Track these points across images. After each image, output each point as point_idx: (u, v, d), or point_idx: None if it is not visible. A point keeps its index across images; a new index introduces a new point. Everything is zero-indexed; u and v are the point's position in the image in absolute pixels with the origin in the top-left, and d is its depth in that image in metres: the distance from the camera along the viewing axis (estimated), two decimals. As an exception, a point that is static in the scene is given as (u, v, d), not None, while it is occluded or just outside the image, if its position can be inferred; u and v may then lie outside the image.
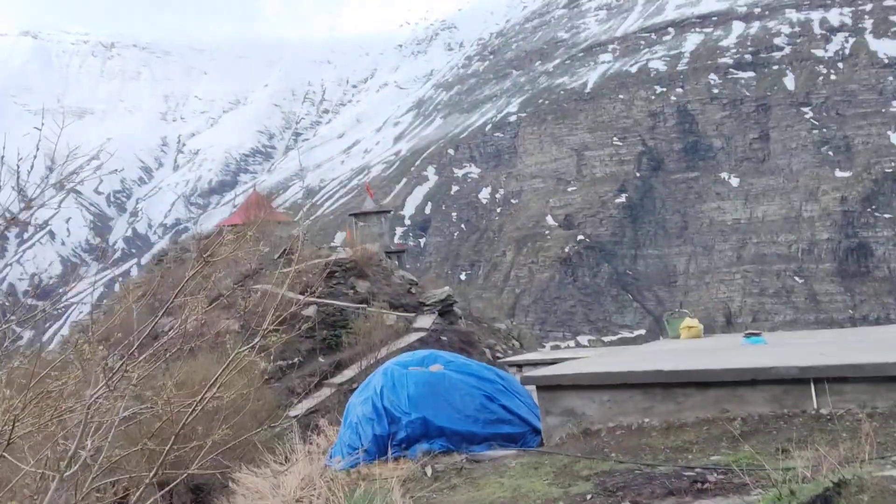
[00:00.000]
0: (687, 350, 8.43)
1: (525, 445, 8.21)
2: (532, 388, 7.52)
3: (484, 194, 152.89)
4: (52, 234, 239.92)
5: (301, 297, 21.87)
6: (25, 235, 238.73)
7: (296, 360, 24.59)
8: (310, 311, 25.81)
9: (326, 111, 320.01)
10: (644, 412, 6.22)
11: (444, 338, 25.63)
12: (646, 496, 4.80)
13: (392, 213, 61.43)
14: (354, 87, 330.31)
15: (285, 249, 29.36)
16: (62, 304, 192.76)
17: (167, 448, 4.59)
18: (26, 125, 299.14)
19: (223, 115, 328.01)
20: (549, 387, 6.69)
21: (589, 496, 4.94)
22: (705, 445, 5.62)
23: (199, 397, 4.44)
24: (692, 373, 6.21)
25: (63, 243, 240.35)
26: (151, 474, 4.49)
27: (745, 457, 5.20)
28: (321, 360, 24.75)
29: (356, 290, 27.21)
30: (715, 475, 4.98)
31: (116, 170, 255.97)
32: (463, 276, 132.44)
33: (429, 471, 6.15)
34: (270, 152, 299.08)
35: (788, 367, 5.92)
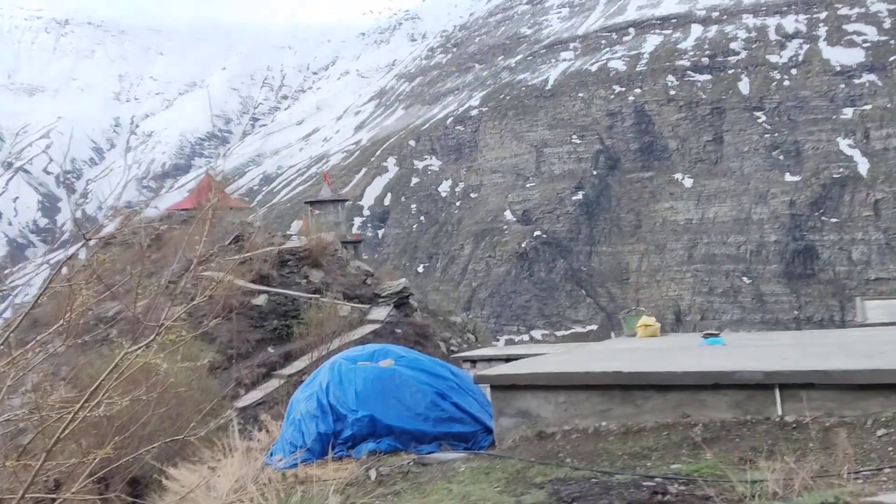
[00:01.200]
0: (645, 350, 8.17)
1: (476, 445, 7.88)
2: (485, 387, 7.18)
3: (444, 187, 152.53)
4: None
5: (252, 285, 21.23)
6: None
7: (244, 349, 23.94)
8: (260, 299, 25.20)
9: (286, 97, 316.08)
10: (601, 415, 5.92)
11: (398, 330, 25.22)
12: (603, 508, 4.50)
13: (349, 202, 60.65)
14: (315, 73, 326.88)
15: (237, 236, 28.65)
16: (6, 286, 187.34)
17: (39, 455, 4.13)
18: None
19: (179, 97, 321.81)
20: (504, 386, 6.35)
21: (542, 506, 4.62)
22: (665, 452, 5.34)
23: (82, 403, 3.94)
24: (652, 375, 5.93)
25: (10, 223, 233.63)
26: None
27: (707, 466, 4.93)
28: (271, 350, 24.18)
29: (309, 280, 26.64)
30: (676, 486, 4.69)
31: (63, 158, 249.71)
32: (421, 269, 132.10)
33: (373, 474, 5.77)
34: (227, 137, 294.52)
35: (753, 372, 5.68)
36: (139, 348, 3.66)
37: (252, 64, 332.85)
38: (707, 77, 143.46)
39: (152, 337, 3.69)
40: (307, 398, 8.18)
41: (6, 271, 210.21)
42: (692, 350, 7.97)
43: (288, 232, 48.27)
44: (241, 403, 22.84)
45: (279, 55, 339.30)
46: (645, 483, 4.78)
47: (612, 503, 4.53)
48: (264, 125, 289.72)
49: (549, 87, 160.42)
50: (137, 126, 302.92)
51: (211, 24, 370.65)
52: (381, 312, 25.67)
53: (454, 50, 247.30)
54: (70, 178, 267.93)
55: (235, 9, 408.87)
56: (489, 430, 7.90)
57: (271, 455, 8.35)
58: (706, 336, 8.90)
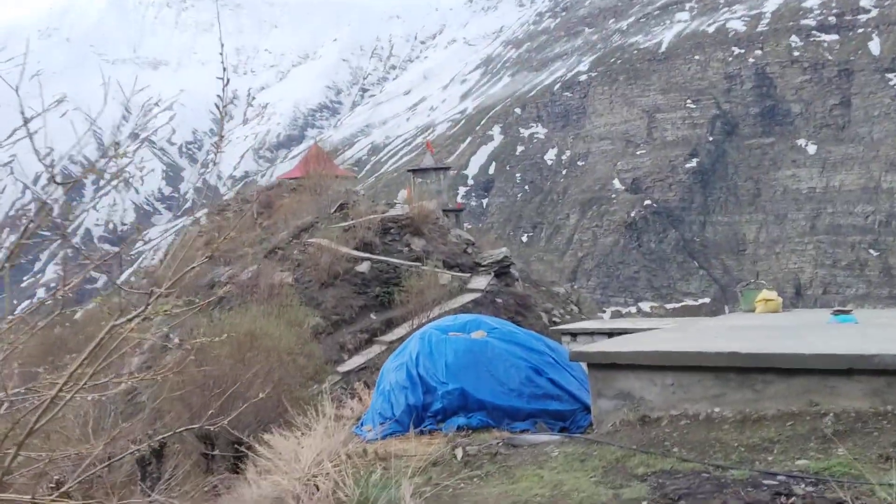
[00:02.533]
0: (765, 327, 7.37)
1: (575, 424, 7.38)
2: (582, 365, 6.63)
3: (550, 155, 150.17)
4: (126, 183, 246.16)
5: (355, 252, 21.27)
6: (101, 183, 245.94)
7: (347, 315, 24.13)
8: (363, 266, 25.28)
9: (394, 67, 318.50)
10: (714, 400, 5.27)
11: (499, 300, 24.79)
12: (715, 509, 3.91)
13: (451, 170, 60.18)
14: (423, 43, 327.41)
15: (341, 204, 28.85)
16: (134, 251, 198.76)
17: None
18: (103, 75, 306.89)
19: (292, 69, 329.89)
20: (603, 365, 5.77)
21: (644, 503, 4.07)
22: (789, 445, 4.66)
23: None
24: (775, 357, 5.21)
25: (137, 192, 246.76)
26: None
27: (839, 464, 4.23)
28: (373, 316, 24.25)
29: (411, 248, 26.53)
30: (803, 486, 4.04)
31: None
32: (525, 239, 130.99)
33: (459, 454, 5.36)
34: (337, 108, 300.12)
35: (895, 356, 4.89)
36: (127, 320, 3.30)
37: (362, 35, 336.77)
38: (834, 37, 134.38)
39: (143, 308, 3.32)
40: (397, 368, 7.88)
41: (133, 237, 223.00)
42: (819, 329, 7.12)
43: (394, 201, 48.26)
44: (343, 368, 23.07)
45: (388, 25, 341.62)
46: (765, 481, 4.15)
47: (726, 503, 3.94)
48: (373, 95, 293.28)
49: (662, 49, 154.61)
50: (254, 98, 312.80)
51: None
52: (481, 281, 25.29)
53: (563, 14, 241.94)
54: (192, 149, 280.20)
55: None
56: (589, 409, 7.38)
57: (361, 425, 8.12)
58: (836, 313, 7.98)
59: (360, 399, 9.41)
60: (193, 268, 3.64)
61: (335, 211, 28.37)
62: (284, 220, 31.04)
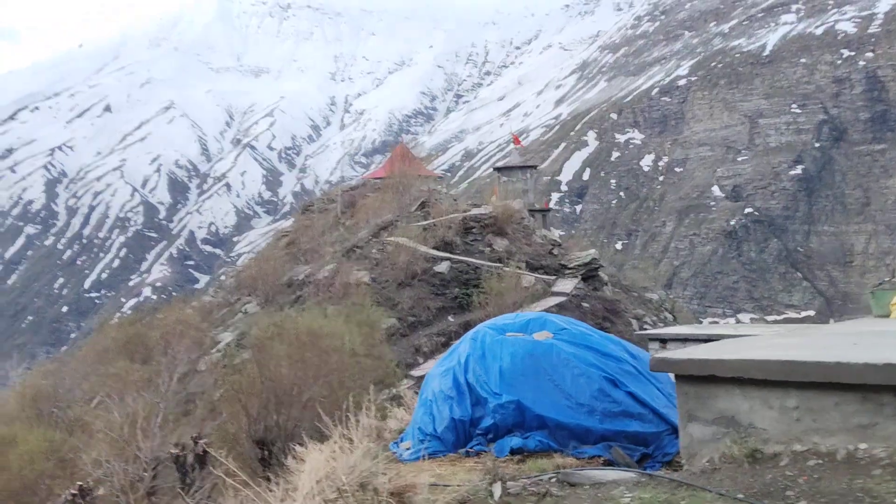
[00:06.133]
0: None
1: (660, 450, 5.87)
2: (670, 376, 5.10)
3: (646, 161, 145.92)
4: (228, 187, 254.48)
5: (435, 251, 19.99)
6: (205, 186, 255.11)
7: (424, 317, 22.98)
8: (442, 266, 24.10)
9: (488, 73, 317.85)
10: (860, 432, 3.71)
11: (585, 304, 23.13)
12: None
13: (539, 168, 58.34)
14: (518, 48, 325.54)
15: (423, 202, 27.80)
16: (234, 252, 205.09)
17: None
18: (209, 83, 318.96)
19: (388, 75, 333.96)
20: (697, 377, 4.25)
21: None
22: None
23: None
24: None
25: (238, 195, 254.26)
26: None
27: None
28: (451, 318, 23.03)
29: (493, 248, 25.19)
30: None
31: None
32: (619, 246, 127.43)
33: (497, 491, 3.97)
34: (432, 114, 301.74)
35: None
36: None
37: (457, 41, 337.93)
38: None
39: None
40: (442, 374, 6.53)
41: (234, 239, 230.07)
42: None
43: (484, 205, 47.02)
44: (418, 372, 21.93)
45: (483, 31, 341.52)
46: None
47: None
48: (467, 101, 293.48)
49: (766, 53, 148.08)
50: (351, 104, 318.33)
51: (419, 3, 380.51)
52: (567, 284, 23.67)
53: (662, 17, 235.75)
54: (290, 154, 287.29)
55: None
56: (678, 433, 5.86)
57: (401, 440, 6.84)
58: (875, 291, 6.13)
59: (408, 408, 8.14)
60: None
61: (416, 209, 27.34)
62: (366, 219, 30.27)
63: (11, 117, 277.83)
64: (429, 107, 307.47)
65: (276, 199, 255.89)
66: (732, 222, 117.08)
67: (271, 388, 14.33)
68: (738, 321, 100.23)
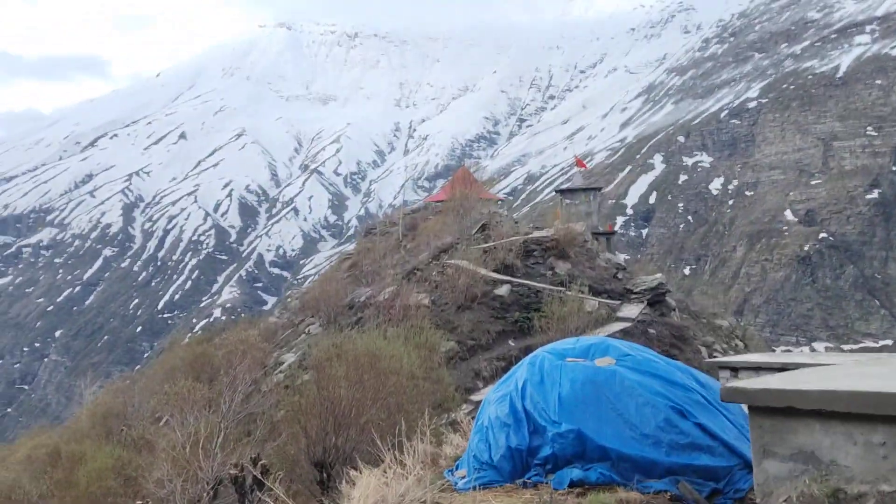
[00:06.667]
0: None
1: (731, 486, 5.51)
2: (743, 406, 4.75)
3: (715, 185, 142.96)
4: (296, 211, 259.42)
5: (495, 274, 19.75)
6: (273, 211, 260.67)
7: (484, 340, 22.69)
8: (503, 290, 23.81)
9: (552, 97, 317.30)
10: (960, 476, 3.33)
11: (651, 330, 22.48)
12: None
13: (602, 190, 57.51)
14: (582, 72, 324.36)
15: (483, 224, 27.62)
16: (301, 275, 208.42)
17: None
18: (279, 110, 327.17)
19: (452, 101, 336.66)
20: (774, 409, 3.92)
21: None
22: None
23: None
24: None
25: (305, 219, 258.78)
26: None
27: None
28: (511, 343, 22.66)
29: (555, 272, 24.76)
30: None
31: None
32: (687, 271, 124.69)
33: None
34: (494, 138, 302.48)
35: None
36: None
37: (521, 65, 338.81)
38: None
39: None
40: (499, 400, 6.29)
41: (300, 262, 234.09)
42: None
43: (546, 228, 46.60)
44: (477, 397, 21.62)
45: (547, 55, 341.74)
46: None
47: None
48: (530, 125, 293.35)
49: (840, 74, 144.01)
50: (415, 130, 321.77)
51: (483, 29, 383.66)
52: (632, 310, 23.07)
53: (731, 39, 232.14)
54: (356, 179, 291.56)
55: (506, 11, 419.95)
56: (752, 466, 5.49)
57: (456, 468, 6.61)
58: None
59: (465, 434, 7.90)
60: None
61: (476, 232, 27.16)
62: (427, 242, 30.25)
63: (92, 144, 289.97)
64: (491, 131, 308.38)
65: (341, 223, 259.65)
66: (806, 247, 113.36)
67: (330, 410, 14.26)
68: (812, 350, 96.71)
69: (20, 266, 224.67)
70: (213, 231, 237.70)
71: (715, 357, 22.09)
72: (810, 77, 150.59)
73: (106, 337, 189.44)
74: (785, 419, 3.89)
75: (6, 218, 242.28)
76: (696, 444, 5.61)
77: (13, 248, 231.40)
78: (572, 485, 5.46)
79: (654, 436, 5.59)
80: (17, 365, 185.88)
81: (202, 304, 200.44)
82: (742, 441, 5.69)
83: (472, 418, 18.09)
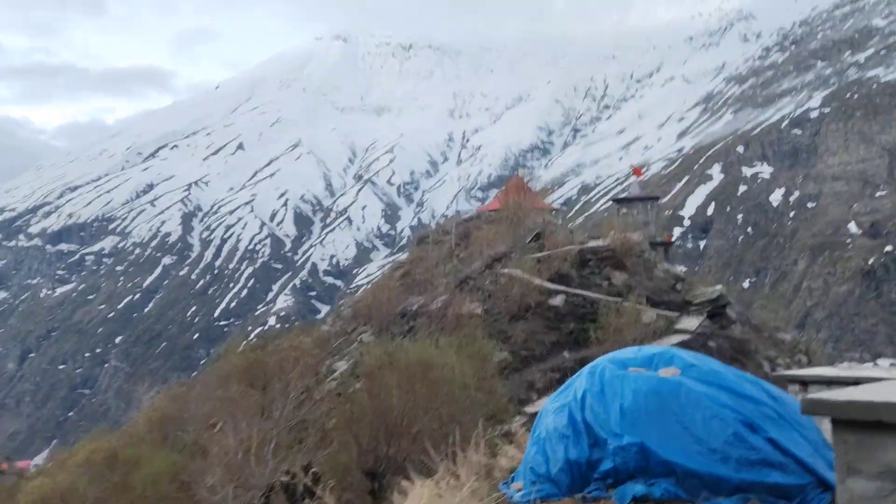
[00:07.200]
0: None
1: (806, 507, 5.19)
2: (822, 419, 4.43)
3: (776, 196, 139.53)
4: (349, 220, 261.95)
5: (549, 284, 19.47)
6: (327, 220, 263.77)
7: (538, 351, 22.36)
8: (557, 300, 23.45)
9: (607, 107, 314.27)
10: None
11: (711, 343, 21.85)
12: None
13: (660, 200, 56.43)
14: (638, 81, 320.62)
15: (537, 234, 27.31)
16: (354, 284, 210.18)
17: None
18: (334, 121, 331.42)
19: (505, 111, 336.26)
20: (860, 423, 3.62)
21: None
22: None
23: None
24: None
25: (358, 229, 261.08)
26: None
27: None
28: (566, 354, 22.28)
29: (611, 282, 24.31)
30: None
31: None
32: (746, 284, 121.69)
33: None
34: (548, 148, 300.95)
35: None
36: None
37: (575, 75, 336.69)
38: None
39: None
40: (557, 411, 6.05)
41: (354, 271, 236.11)
42: None
43: (602, 237, 46.00)
44: (531, 409, 21.29)
45: (602, 65, 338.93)
46: None
47: None
48: (585, 136, 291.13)
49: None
50: (468, 140, 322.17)
51: (537, 39, 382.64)
52: (691, 322, 22.46)
53: (792, 48, 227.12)
54: (409, 189, 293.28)
55: (561, 21, 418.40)
56: (826, 485, 5.18)
57: (512, 480, 6.39)
58: None
59: (520, 446, 7.66)
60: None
61: (530, 241, 26.86)
62: (479, 251, 30.05)
63: (153, 154, 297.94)
64: (545, 141, 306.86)
65: (394, 233, 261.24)
66: (871, 261, 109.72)
67: (382, 419, 14.15)
68: (876, 366, 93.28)
69: (83, 273, 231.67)
70: (268, 240, 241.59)
71: (777, 371, 21.35)
72: (875, 86, 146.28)
73: (164, 343, 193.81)
74: (873, 434, 3.58)
75: (70, 226, 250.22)
76: (767, 461, 5.30)
77: (77, 256, 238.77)
78: (635, 500, 5.20)
79: (723, 451, 5.30)
80: (79, 370, 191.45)
81: (257, 313, 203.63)
82: (816, 458, 5.36)
83: (527, 430, 17.79)
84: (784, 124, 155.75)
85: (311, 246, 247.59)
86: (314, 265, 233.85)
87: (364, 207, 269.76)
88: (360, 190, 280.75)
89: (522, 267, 24.38)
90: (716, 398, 5.51)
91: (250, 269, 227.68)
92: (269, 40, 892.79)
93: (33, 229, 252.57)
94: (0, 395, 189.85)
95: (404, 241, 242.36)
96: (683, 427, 5.40)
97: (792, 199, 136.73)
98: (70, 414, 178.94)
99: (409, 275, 35.41)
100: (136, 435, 25.12)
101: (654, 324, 21.74)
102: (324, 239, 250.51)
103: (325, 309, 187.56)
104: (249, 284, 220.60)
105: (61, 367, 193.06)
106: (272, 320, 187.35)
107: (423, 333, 23.34)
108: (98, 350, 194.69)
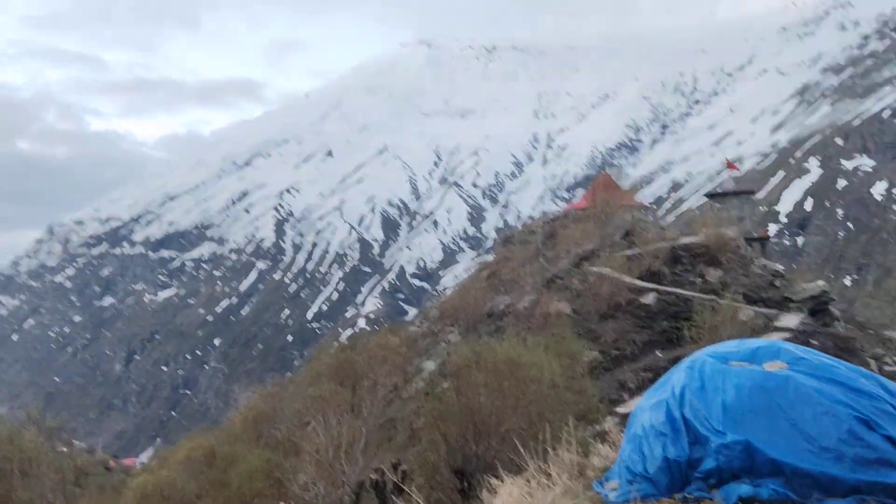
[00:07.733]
0: None
1: (932, 512, 4.78)
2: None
3: (878, 189, 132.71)
4: (435, 223, 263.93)
5: (640, 282, 19.02)
6: (414, 224, 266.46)
7: (629, 350, 21.82)
8: (649, 298, 22.84)
9: (697, 102, 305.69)
10: None
11: (814, 341, 20.80)
12: None
13: (755, 194, 54.25)
14: (729, 75, 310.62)
15: (627, 231, 26.70)
16: (441, 286, 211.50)
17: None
18: (419, 125, 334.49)
19: (591, 110, 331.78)
20: None
21: None
22: None
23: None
24: None
25: (444, 231, 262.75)
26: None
27: None
28: (658, 353, 21.66)
29: (705, 279, 23.49)
30: None
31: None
32: (848, 281, 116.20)
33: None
34: (636, 146, 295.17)
35: None
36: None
37: (664, 71, 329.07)
38: None
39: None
40: (653, 407, 5.77)
41: (440, 273, 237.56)
42: None
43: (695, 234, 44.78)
44: (623, 409, 20.79)
45: (691, 59, 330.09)
46: None
47: None
48: (674, 132, 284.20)
49: None
50: (553, 140, 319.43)
51: (623, 35, 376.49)
52: (792, 319, 21.45)
53: (893, 34, 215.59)
54: (494, 191, 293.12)
55: (647, 16, 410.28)
56: (954, 489, 4.76)
57: (606, 479, 6.14)
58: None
59: (614, 445, 7.40)
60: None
61: (620, 239, 26.27)
62: (567, 250, 29.61)
63: (247, 163, 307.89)
64: (633, 139, 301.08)
65: (479, 235, 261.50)
66: None
67: (470, 417, 14.04)
68: None
69: (184, 279, 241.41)
70: (357, 244, 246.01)
71: (887, 372, 20.17)
72: None
73: (260, 345, 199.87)
74: None
75: (171, 234, 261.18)
76: (885, 460, 4.91)
77: (177, 262, 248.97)
78: (741, 501, 4.90)
79: (836, 449, 4.93)
80: (181, 371, 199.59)
81: (347, 315, 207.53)
82: (941, 459, 4.93)
83: (620, 430, 17.34)
84: (886, 115, 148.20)
85: (398, 249, 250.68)
86: (401, 268, 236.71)
87: (450, 210, 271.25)
88: (445, 193, 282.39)
89: (612, 265, 23.87)
90: (828, 393, 5.14)
91: (340, 273, 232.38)
92: (355, 48, 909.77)
93: (136, 237, 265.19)
94: (108, 396, 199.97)
95: (490, 243, 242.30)
96: (792, 424, 5.06)
97: (895, 192, 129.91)
98: (172, 413, 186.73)
99: (495, 275, 35.28)
100: (232, 433, 25.84)
101: (751, 321, 20.86)
102: (410, 242, 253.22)
103: (412, 311, 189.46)
104: (340, 287, 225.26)
105: (164, 368, 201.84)
106: (361, 322, 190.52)
107: (510, 333, 23.13)
108: (198, 352, 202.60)
